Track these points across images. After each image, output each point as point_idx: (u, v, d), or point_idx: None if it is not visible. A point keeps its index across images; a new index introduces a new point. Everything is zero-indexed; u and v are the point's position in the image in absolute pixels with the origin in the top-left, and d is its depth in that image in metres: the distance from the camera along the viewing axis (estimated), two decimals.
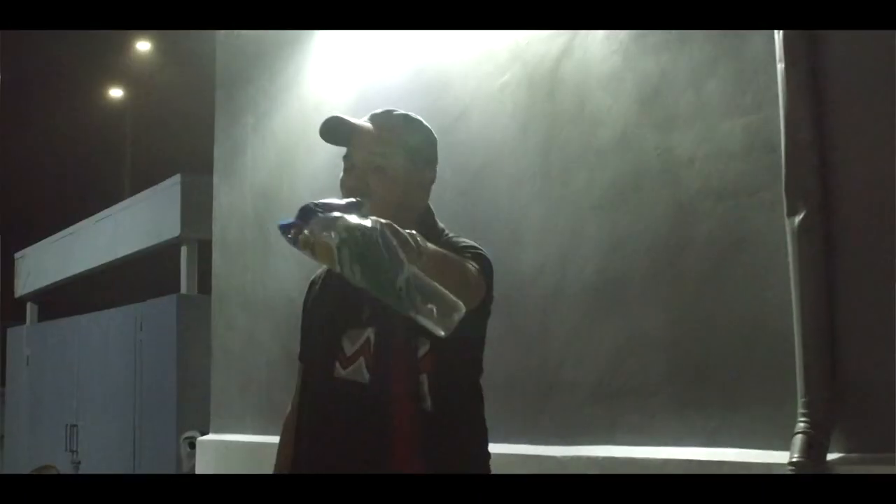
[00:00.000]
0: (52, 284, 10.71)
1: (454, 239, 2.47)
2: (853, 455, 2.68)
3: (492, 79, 3.91)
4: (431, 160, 2.56)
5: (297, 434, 2.51)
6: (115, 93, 23.58)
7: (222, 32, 5.77)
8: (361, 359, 2.37)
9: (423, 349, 2.33)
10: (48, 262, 10.70)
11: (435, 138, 2.57)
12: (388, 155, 2.44)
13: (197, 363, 7.29)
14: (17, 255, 11.70)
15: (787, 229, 2.82)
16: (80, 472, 7.61)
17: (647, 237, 3.29)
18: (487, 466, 2.41)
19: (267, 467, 5.03)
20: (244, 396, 5.33)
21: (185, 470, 5.77)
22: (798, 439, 2.70)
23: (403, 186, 2.46)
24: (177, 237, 7.80)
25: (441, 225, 2.53)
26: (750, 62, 3.02)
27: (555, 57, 3.65)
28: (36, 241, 11.43)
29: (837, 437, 2.72)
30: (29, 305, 11.43)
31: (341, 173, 2.43)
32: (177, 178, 7.79)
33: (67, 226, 10.46)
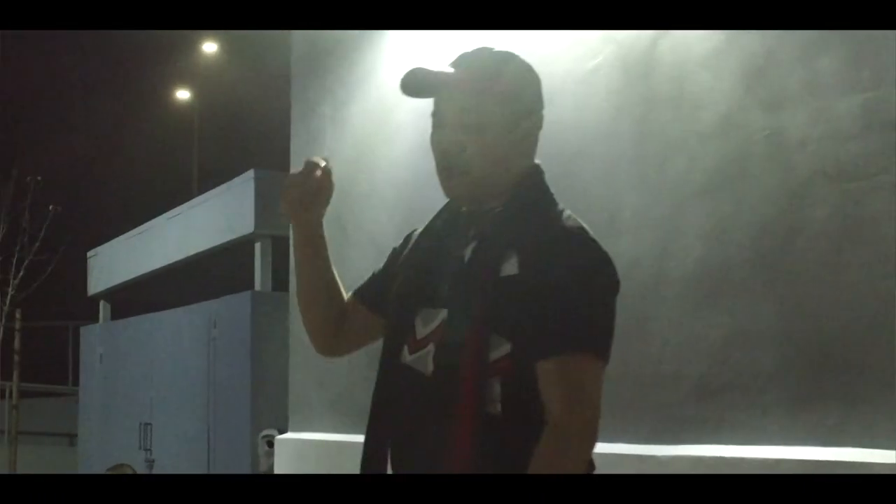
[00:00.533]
0: (124, 282, 10.74)
1: (556, 220, 2.12)
2: None
3: (583, 62, 3.77)
4: (535, 107, 2.25)
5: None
6: (183, 94, 23.94)
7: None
8: (431, 346, 2.12)
9: (502, 350, 2.02)
10: (120, 260, 10.73)
11: (538, 77, 2.28)
12: (482, 107, 2.14)
13: (272, 361, 7.23)
14: (89, 253, 11.78)
15: None
16: (154, 470, 7.57)
17: (754, 225, 3.13)
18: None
19: (345, 466, 4.92)
20: (323, 394, 5.24)
21: (263, 469, 5.69)
22: None
23: (506, 143, 2.16)
24: (251, 233, 7.74)
25: (543, 188, 2.20)
26: (866, 36, 2.85)
27: (651, 37, 3.49)
28: (108, 241, 11.49)
29: None
30: (101, 304, 11.50)
31: (430, 130, 2.16)
32: (250, 173, 7.74)
33: (139, 224, 10.50)
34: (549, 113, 3.80)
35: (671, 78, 3.42)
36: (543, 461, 1.91)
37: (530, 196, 2.17)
